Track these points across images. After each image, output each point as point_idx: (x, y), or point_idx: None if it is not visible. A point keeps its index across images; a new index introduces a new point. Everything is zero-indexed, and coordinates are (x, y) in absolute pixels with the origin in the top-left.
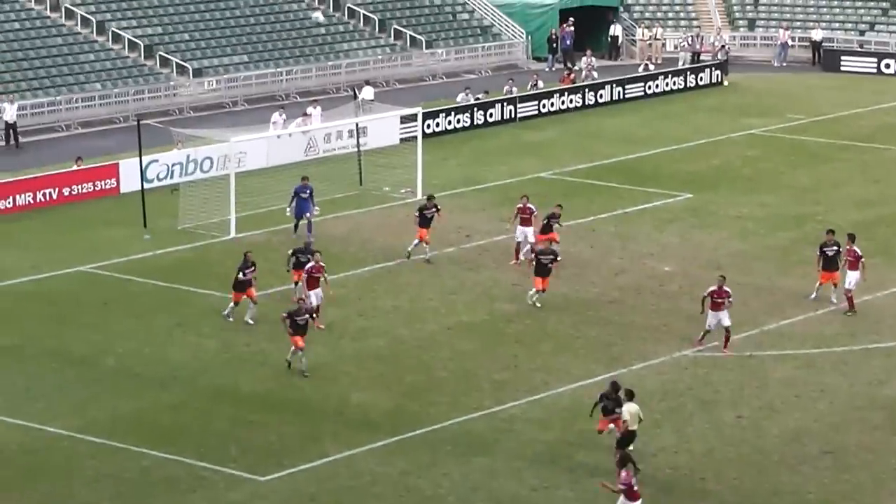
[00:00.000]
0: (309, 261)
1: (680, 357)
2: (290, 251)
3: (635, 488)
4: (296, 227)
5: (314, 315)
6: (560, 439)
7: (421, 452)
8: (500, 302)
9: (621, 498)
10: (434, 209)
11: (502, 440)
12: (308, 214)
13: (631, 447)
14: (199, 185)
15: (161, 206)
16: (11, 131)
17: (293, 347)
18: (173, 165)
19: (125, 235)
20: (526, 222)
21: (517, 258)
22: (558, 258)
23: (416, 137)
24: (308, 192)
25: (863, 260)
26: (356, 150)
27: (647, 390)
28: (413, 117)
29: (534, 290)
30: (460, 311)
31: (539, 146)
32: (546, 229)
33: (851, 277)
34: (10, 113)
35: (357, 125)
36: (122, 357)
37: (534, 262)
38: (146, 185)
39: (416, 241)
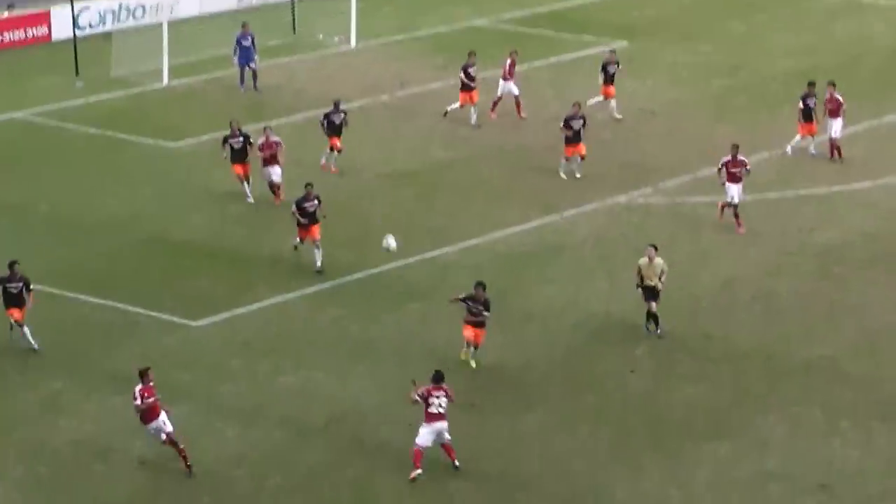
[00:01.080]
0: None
1: (613, 204)
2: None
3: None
4: (241, 76)
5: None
6: (494, 286)
7: (356, 299)
8: (435, 150)
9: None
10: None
11: (437, 287)
12: (252, 64)
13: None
14: (131, 33)
15: (94, 55)
16: None
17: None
18: (105, 13)
19: (58, 83)
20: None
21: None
22: None
23: None
24: (249, 39)
25: (844, 107)
26: None
27: (579, 237)
28: None
29: None
30: (396, 158)
31: None
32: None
33: (835, 125)
34: None
35: None
36: (55, 205)
37: None
38: (78, 33)
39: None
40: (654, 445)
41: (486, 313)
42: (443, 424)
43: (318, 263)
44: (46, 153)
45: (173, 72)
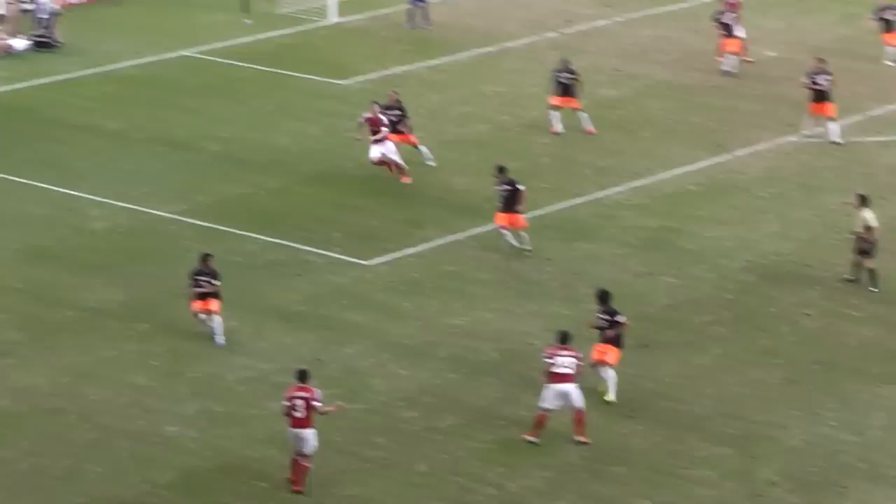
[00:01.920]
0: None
1: (784, 143)
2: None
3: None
4: (410, 15)
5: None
6: (663, 227)
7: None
8: (602, 88)
9: None
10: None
11: (605, 226)
12: (422, 2)
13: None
14: None
15: None
16: None
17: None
18: None
19: (226, 20)
20: None
21: None
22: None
23: None
24: None
25: None
26: None
27: (751, 177)
28: None
29: None
30: None
31: None
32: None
33: None
34: None
35: None
36: (225, 142)
37: None
38: None
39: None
40: (828, 388)
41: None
42: (568, 386)
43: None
44: (215, 90)
45: (341, 8)
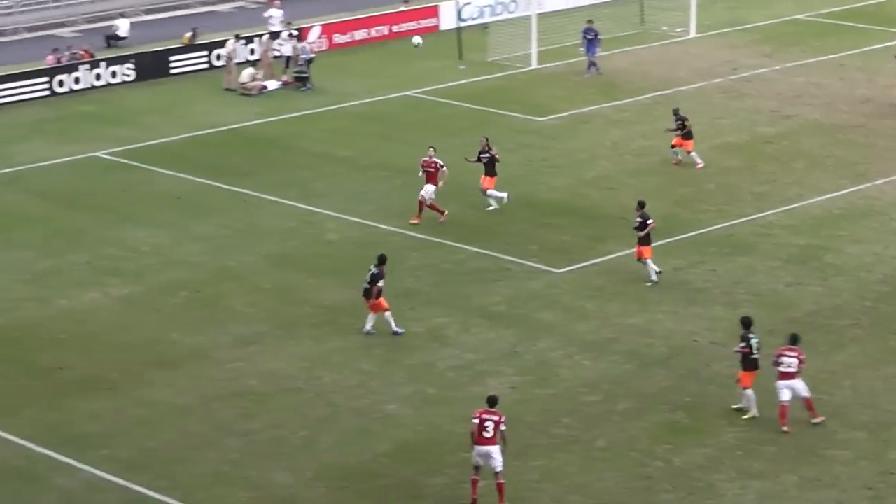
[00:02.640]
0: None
1: None
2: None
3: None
4: (588, 65)
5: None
6: (811, 244)
7: (691, 252)
8: (761, 126)
9: None
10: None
11: (761, 243)
12: (591, 55)
13: None
14: (506, 24)
15: (473, 42)
16: None
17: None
18: (485, 7)
19: (443, 66)
20: None
21: None
22: None
23: None
24: (592, 34)
25: None
26: None
27: (887, 202)
28: None
29: None
30: (726, 132)
31: None
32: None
33: None
34: None
35: None
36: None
37: None
38: (461, 24)
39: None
40: None
41: None
42: (793, 382)
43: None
44: (431, 125)
45: (540, 57)
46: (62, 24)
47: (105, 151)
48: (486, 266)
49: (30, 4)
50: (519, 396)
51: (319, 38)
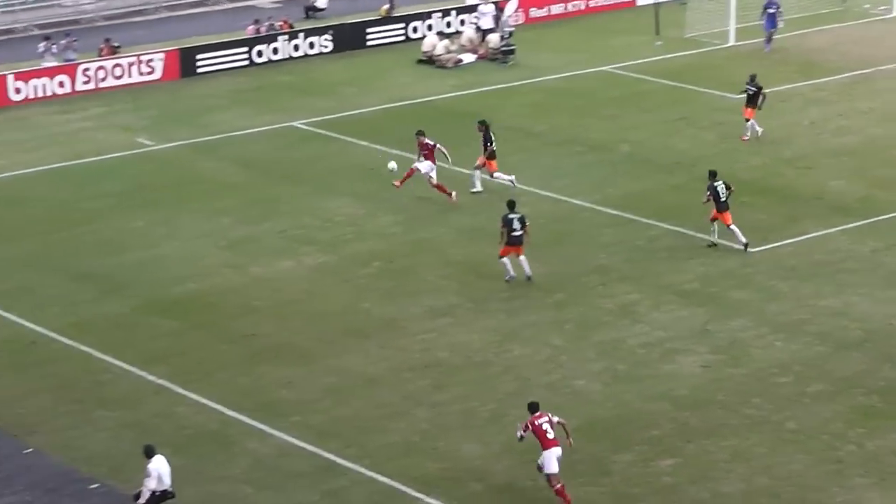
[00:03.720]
0: None
1: None
2: None
3: None
4: (767, 39)
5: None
6: None
7: (889, 234)
8: None
9: None
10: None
11: None
12: (773, 29)
13: None
14: (704, 0)
15: (670, 18)
16: None
17: None
18: None
19: (639, 42)
20: None
21: None
22: None
23: None
24: (774, 7)
25: None
26: None
27: None
28: None
29: None
30: None
31: None
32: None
33: None
34: None
35: None
36: (634, 144)
37: None
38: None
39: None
40: None
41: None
42: None
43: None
44: (627, 100)
45: (738, 34)
46: None
47: (301, 121)
48: (679, 244)
49: None
50: (711, 375)
51: (516, 12)
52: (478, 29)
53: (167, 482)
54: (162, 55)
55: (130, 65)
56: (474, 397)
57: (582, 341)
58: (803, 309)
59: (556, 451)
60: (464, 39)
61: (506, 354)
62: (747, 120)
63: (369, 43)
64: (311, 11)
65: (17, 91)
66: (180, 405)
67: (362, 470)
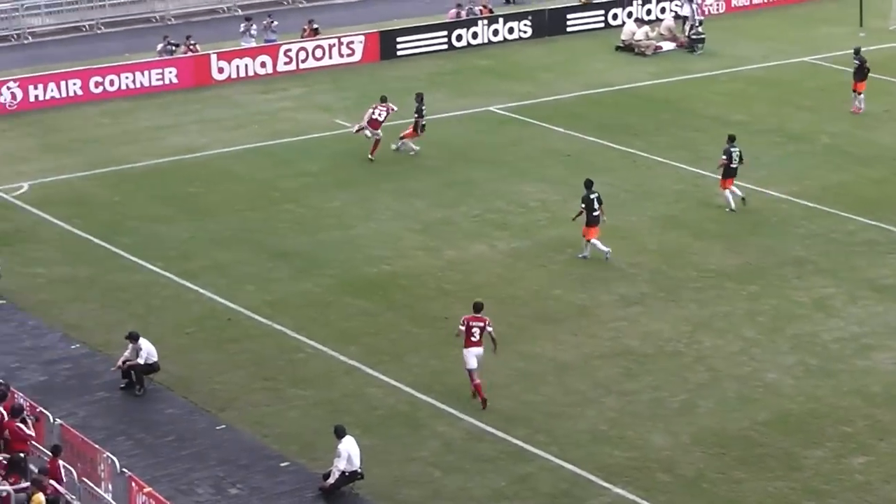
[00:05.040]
0: None
1: None
2: None
3: None
4: None
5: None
6: None
7: None
8: None
9: None
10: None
11: None
12: None
13: None
14: None
15: (875, 8)
16: None
17: None
18: None
19: (843, 32)
20: None
21: None
22: None
23: None
24: None
25: None
26: None
27: None
28: None
29: None
30: None
31: None
32: None
33: None
34: None
35: None
36: (834, 136)
37: None
38: None
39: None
40: None
41: None
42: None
43: None
44: (829, 92)
45: None
46: None
47: (499, 106)
48: (878, 238)
49: None
50: None
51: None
52: (677, 17)
53: (356, 463)
54: (362, 37)
55: (331, 46)
56: (664, 387)
57: (775, 334)
58: None
59: (474, 350)
60: (663, 28)
61: (697, 345)
62: (858, 93)
63: (569, 29)
64: None
65: (220, 71)
66: (371, 386)
67: (549, 457)
